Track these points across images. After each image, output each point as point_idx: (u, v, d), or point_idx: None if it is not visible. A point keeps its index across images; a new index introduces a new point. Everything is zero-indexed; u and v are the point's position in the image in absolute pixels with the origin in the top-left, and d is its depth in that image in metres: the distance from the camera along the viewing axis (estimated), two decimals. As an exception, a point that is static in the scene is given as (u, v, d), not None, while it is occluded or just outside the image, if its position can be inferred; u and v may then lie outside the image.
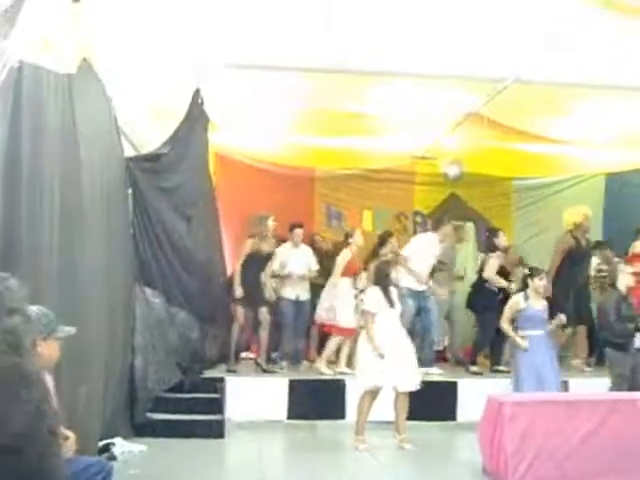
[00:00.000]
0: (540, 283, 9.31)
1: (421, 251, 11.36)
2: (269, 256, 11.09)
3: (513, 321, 9.42)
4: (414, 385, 8.66)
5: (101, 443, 7.57)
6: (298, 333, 11.62)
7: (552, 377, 9.10)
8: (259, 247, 10.90)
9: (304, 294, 11.56)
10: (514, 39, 8.08)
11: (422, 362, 11.18)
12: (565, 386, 10.35)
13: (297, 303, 11.50)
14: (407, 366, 8.70)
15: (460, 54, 8.56)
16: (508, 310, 9.41)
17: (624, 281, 9.39)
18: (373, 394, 8.69)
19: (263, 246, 10.94)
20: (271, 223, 10.97)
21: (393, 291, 8.99)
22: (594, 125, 11.11)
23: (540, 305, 9.34)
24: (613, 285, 9.33)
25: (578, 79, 9.27)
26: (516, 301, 9.39)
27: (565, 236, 11.97)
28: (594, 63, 8.56)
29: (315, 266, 11.64)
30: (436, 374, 11.02)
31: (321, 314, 11.34)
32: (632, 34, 7.57)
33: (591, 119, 10.90)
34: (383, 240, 11.69)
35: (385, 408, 8.83)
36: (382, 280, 8.95)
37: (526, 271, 9.58)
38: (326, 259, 12.02)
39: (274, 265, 11.27)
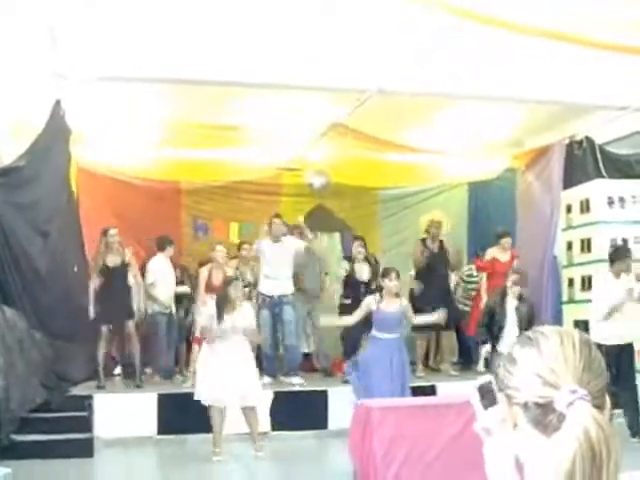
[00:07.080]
0: (391, 284, 9.04)
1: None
2: (123, 268, 10.72)
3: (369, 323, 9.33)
4: (253, 400, 8.72)
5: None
6: (169, 347, 11.53)
7: (397, 381, 8.97)
8: (106, 260, 10.54)
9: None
10: (377, 50, 8.25)
11: (285, 372, 11.23)
12: (433, 390, 10.58)
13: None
14: (244, 382, 8.65)
15: (324, 65, 8.69)
16: (359, 310, 9.27)
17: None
18: (219, 408, 8.69)
19: (112, 258, 10.55)
20: (113, 236, 10.58)
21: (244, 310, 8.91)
22: (456, 135, 11.44)
23: (393, 307, 9.10)
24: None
25: (439, 89, 9.54)
26: (367, 302, 9.20)
27: (417, 244, 12.19)
28: (454, 73, 8.83)
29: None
30: (298, 384, 10.90)
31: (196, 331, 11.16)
32: (490, 45, 7.84)
33: (453, 129, 11.22)
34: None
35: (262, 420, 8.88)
36: (221, 297, 8.87)
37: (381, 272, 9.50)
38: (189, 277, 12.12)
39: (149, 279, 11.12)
